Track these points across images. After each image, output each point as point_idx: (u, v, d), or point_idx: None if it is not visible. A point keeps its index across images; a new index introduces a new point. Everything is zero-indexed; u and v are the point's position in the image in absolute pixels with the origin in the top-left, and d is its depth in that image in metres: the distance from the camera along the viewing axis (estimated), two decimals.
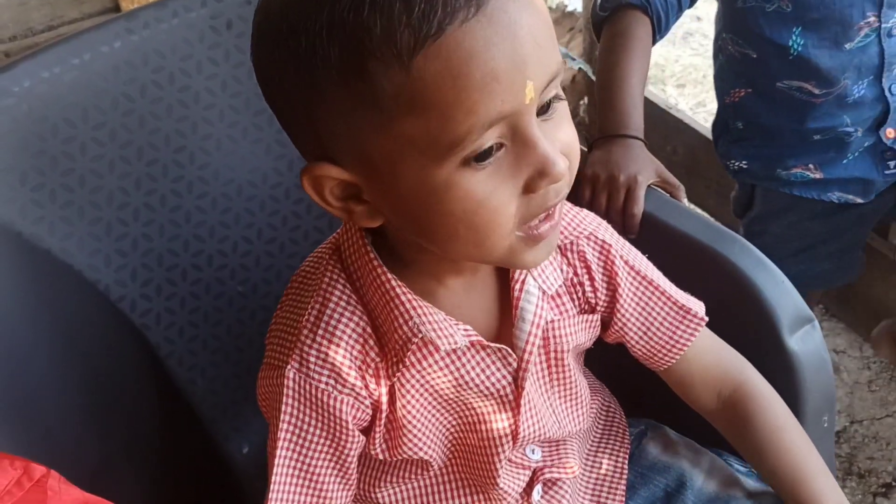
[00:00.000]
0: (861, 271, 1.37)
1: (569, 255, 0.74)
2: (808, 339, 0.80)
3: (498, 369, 0.71)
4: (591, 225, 0.75)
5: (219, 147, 0.99)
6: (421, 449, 0.72)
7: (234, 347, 1.05)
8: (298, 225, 1.06)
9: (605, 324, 0.78)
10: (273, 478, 0.68)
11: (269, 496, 0.68)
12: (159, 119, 0.94)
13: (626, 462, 0.85)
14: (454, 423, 0.74)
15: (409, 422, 0.70)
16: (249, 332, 1.06)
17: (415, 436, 0.71)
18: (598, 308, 0.76)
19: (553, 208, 0.60)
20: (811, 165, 1.20)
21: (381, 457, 0.72)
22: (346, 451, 0.69)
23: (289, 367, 0.67)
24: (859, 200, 1.21)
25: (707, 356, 0.79)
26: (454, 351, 0.69)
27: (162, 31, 0.93)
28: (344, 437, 0.68)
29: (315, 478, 0.69)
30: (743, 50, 1.18)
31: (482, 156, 0.54)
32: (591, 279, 0.75)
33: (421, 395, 0.70)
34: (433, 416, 0.72)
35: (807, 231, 1.27)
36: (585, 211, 0.77)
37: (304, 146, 0.61)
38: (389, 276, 0.66)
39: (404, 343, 0.66)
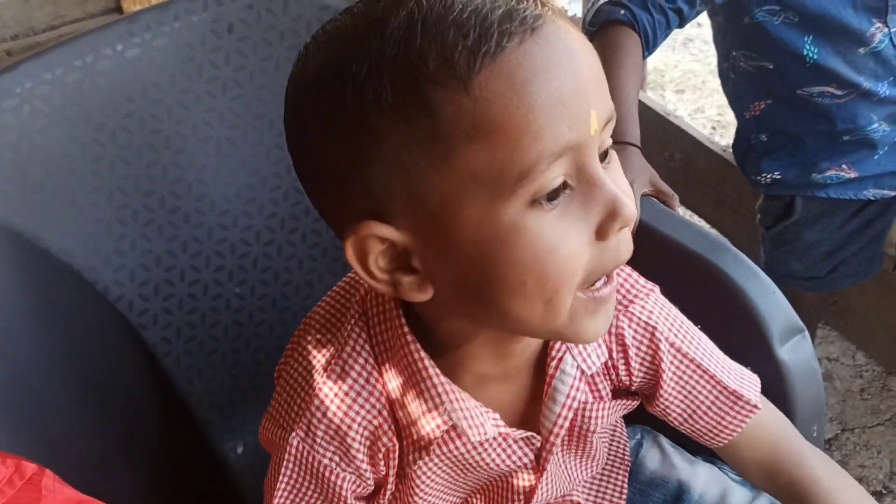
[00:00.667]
0: (880, 266, 1.37)
1: (606, 336, 0.69)
2: (798, 349, 0.81)
3: (520, 448, 0.68)
4: (637, 297, 0.70)
5: (218, 149, 1.00)
6: None
7: (230, 349, 1.05)
8: (296, 227, 1.07)
9: (647, 399, 0.74)
10: None
11: None
12: (160, 121, 0.95)
13: (626, 480, 0.85)
14: (468, 489, 0.73)
15: (422, 490, 0.69)
16: (246, 333, 1.06)
17: (425, 501, 0.70)
18: (634, 387, 0.72)
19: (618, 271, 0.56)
20: (844, 166, 1.20)
21: None
22: None
23: (294, 434, 0.64)
24: (893, 194, 1.22)
25: (761, 447, 0.74)
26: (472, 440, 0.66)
27: (164, 33, 0.94)
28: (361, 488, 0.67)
29: None
30: (758, 63, 1.18)
31: (552, 194, 0.50)
32: (628, 364, 0.70)
33: (436, 473, 0.68)
34: (446, 486, 0.71)
35: (838, 231, 1.27)
36: (628, 271, 0.71)
37: (347, 210, 0.54)
38: (422, 353, 0.61)
39: (432, 430, 0.63)
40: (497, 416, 0.65)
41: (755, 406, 0.72)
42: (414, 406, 0.63)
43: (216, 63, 0.97)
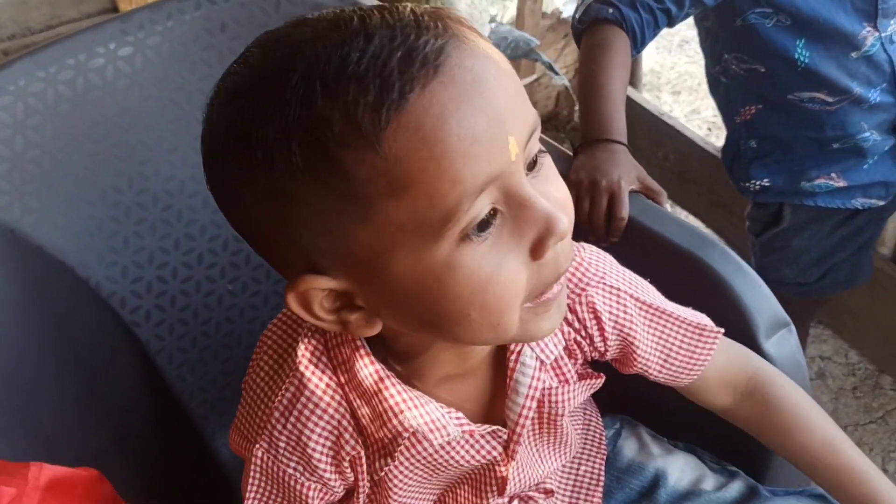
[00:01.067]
0: (871, 273, 1.37)
1: (578, 308, 0.69)
2: (784, 342, 0.82)
3: (488, 442, 0.69)
4: (600, 269, 0.71)
5: None
6: None
7: (222, 345, 1.06)
8: None
9: (623, 362, 0.76)
10: None
11: None
12: (152, 118, 0.96)
13: (603, 468, 0.86)
14: (442, 485, 0.74)
15: (396, 493, 0.69)
16: (238, 330, 1.07)
17: (399, 501, 0.71)
18: (608, 356, 0.74)
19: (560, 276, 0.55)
20: (833, 174, 1.21)
21: None
22: None
23: (257, 445, 0.65)
24: (881, 203, 1.23)
25: (718, 358, 0.77)
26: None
27: (156, 32, 0.94)
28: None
29: None
30: (750, 66, 1.18)
31: (481, 225, 0.50)
32: (602, 329, 0.70)
33: (406, 476, 0.69)
34: (419, 486, 0.71)
35: (827, 238, 1.28)
36: (586, 248, 0.72)
37: (283, 265, 0.55)
38: (377, 366, 0.61)
39: (393, 439, 0.63)
40: (460, 414, 0.65)
41: (719, 331, 0.75)
42: (374, 415, 0.63)
43: (209, 61, 0.98)
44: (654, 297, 0.75)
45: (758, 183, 1.25)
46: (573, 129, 2.39)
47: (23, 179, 0.88)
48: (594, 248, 0.73)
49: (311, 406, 0.63)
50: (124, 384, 1.00)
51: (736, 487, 0.82)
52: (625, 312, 0.71)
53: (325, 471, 0.66)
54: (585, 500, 0.84)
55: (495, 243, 0.51)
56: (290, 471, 0.66)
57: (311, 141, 0.47)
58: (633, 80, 2.04)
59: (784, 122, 1.20)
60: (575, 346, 0.71)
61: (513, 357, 0.67)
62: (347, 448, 0.65)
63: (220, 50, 0.99)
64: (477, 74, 0.48)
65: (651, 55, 2.68)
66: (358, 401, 0.63)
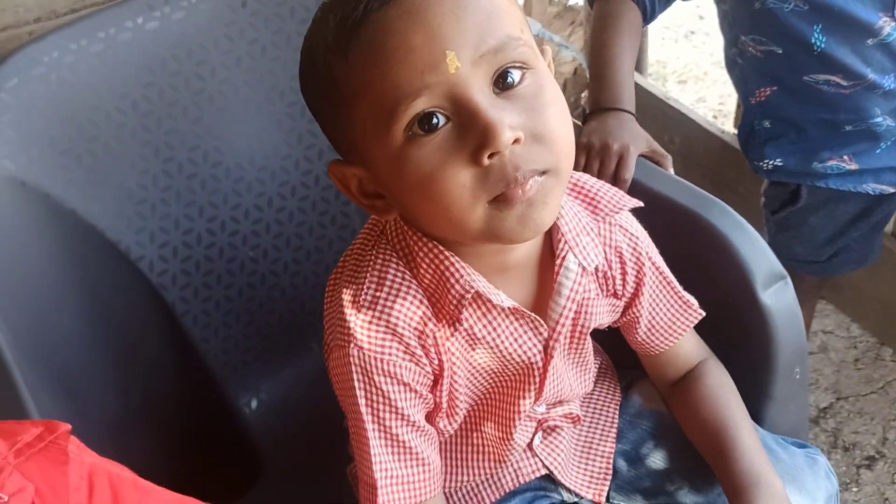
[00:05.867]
0: (880, 253, 1.40)
1: (607, 249, 0.78)
2: (780, 294, 0.86)
3: (529, 339, 0.75)
4: (628, 202, 0.79)
5: (233, 119, 1.05)
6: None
7: (244, 309, 1.11)
8: (307, 195, 1.12)
9: (622, 311, 0.83)
10: (371, 451, 0.71)
11: (374, 469, 0.71)
12: (177, 91, 1.01)
13: (617, 411, 0.91)
14: (484, 388, 0.79)
15: (458, 383, 0.75)
16: (259, 295, 1.12)
17: (463, 394, 0.76)
18: (623, 298, 0.81)
19: (523, 181, 0.60)
20: (846, 157, 1.21)
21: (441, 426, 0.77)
22: (417, 414, 0.73)
23: (352, 345, 0.69)
24: (891, 190, 1.24)
25: (686, 344, 0.86)
26: (492, 320, 0.73)
27: (181, 7, 0.99)
28: (413, 400, 0.72)
29: (401, 441, 0.72)
30: (767, 48, 1.19)
31: (424, 126, 0.59)
32: (624, 274, 0.79)
33: (461, 366, 0.74)
34: (468, 384, 0.77)
35: (842, 216, 1.30)
36: (606, 187, 0.79)
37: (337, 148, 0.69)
38: (440, 247, 0.69)
39: (459, 300, 0.69)
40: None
41: (700, 312, 0.84)
42: (441, 287, 0.70)
43: (231, 36, 1.03)
44: (663, 262, 0.83)
45: (771, 163, 1.27)
46: (577, 116, 2.42)
47: (56, 148, 0.93)
48: (618, 191, 0.80)
49: (393, 292, 0.70)
50: (151, 345, 1.05)
51: None
52: (641, 265, 0.80)
53: (415, 347, 0.70)
54: (601, 439, 0.89)
55: (441, 145, 0.60)
56: (387, 356, 0.70)
57: (322, 50, 0.62)
58: (639, 66, 2.07)
59: (798, 104, 1.21)
60: (603, 279, 0.79)
61: (558, 262, 0.74)
62: (430, 325, 0.71)
63: (241, 26, 1.03)
64: (425, 2, 0.58)
65: (657, 45, 2.71)
66: (429, 277, 0.70)
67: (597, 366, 0.93)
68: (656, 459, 0.88)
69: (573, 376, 0.84)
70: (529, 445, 0.85)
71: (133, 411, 1.01)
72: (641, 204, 0.79)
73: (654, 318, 0.83)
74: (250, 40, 1.04)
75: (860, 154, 1.21)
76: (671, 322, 0.84)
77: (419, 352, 0.71)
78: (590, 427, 0.91)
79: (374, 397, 0.71)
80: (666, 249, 0.84)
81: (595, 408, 0.92)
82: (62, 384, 0.92)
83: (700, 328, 0.86)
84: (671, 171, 0.99)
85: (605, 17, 1.12)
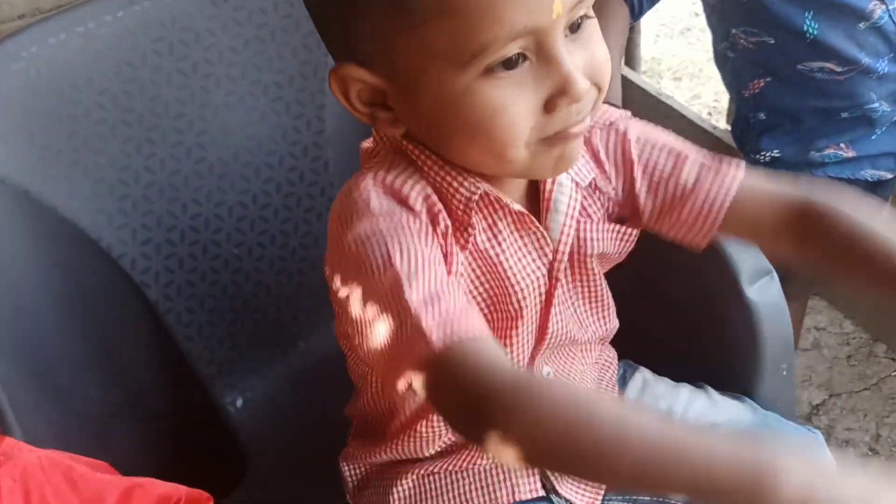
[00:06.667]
0: None
1: (603, 159, 0.73)
2: (766, 289, 0.85)
3: (534, 259, 0.71)
4: (608, 117, 0.74)
5: (216, 115, 1.04)
6: None
7: (228, 307, 1.10)
8: (292, 192, 1.11)
9: (640, 210, 0.74)
10: (409, 301, 0.58)
11: (418, 313, 0.57)
12: (159, 87, 0.99)
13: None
14: (487, 317, 0.72)
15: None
16: (244, 293, 1.11)
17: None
18: (619, 197, 0.74)
19: (579, 122, 0.60)
20: (842, 144, 1.21)
21: None
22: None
23: (372, 208, 0.62)
24: (889, 176, 1.24)
25: (765, 196, 0.72)
26: (497, 234, 0.68)
27: (162, 2, 0.98)
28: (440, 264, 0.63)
29: (448, 291, 0.60)
30: (759, 39, 1.19)
31: (505, 64, 0.56)
32: (600, 163, 0.73)
33: (466, 286, 0.69)
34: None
35: None
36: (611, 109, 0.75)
37: (334, 46, 0.63)
38: (436, 157, 0.65)
39: (466, 202, 0.65)
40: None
41: (738, 163, 0.72)
42: (445, 187, 0.65)
43: (213, 31, 1.02)
44: (664, 134, 0.75)
45: (768, 154, 1.26)
46: None
47: (35, 144, 0.92)
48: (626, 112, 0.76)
49: (403, 175, 0.65)
50: (135, 344, 1.04)
51: (746, 415, 0.85)
52: (624, 145, 0.73)
53: (443, 219, 0.65)
54: None
55: (515, 84, 0.57)
56: (406, 221, 0.62)
57: None
58: (632, 62, 2.07)
59: (793, 94, 1.21)
60: (596, 186, 0.74)
61: (548, 179, 0.70)
62: (442, 215, 0.65)
63: (223, 20, 1.02)
64: None
65: (652, 42, 2.70)
66: (437, 176, 0.65)
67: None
68: None
69: (584, 312, 0.79)
70: None
71: (116, 409, 1.00)
72: (628, 112, 0.76)
73: (684, 191, 0.72)
74: (233, 35, 1.03)
75: (857, 141, 1.21)
76: (709, 183, 0.71)
77: (425, 216, 0.64)
78: None
79: (411, 255, 0.60)
80: (649, 244, 0.83)
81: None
82: (43, 381, 0.91)
83: (685, 324, 0.86)
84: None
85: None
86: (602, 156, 0.74)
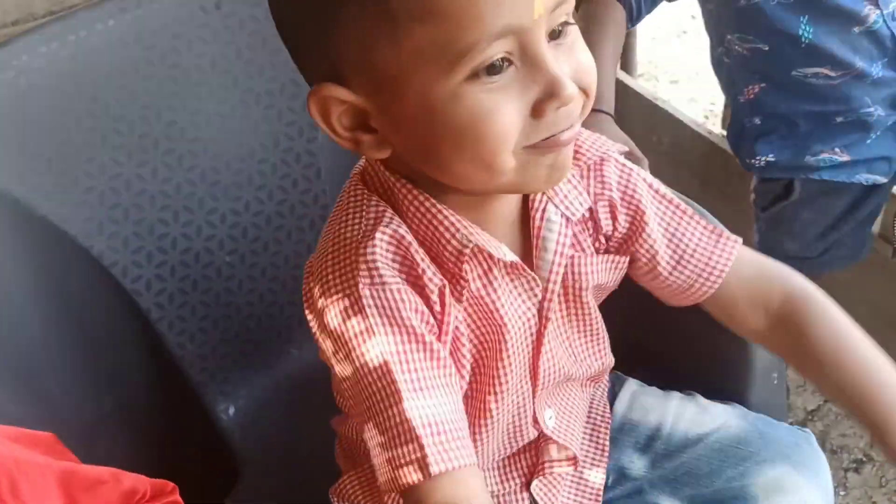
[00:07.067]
0: (870, 249, 1.39)
1: (590, 176, 0.73)
2: None
3: (524, 301, 0.70)
4: (612, 147, 0.74)
5: (208, 123, 1.04)
6: None
7: (221, 315, 1.09)
8: (285, 199, 1.11)
9: (634, 257, 0.75)
10: (405, 403, 0.60)
11: (414, 423, 0.60)
12: (150, 95, 0.99)
13: (608, 435, 0.88)
14: (477, 357, 0.72)
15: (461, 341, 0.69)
16: (237, 301, 1.11)
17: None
18: (616, 235, 0.74)
19: (568, 128, 0.59)
20: (837, 149, 1.22)
21: None
22: (438, 347, 0.64)
23: (360, 285, 0.62)
24: (883, 180, 1.24)
25: (745, 269, 0.75)
26: (492, 280, 0.67)
27: (153, 10, 0.98)
28: (430, 331, 0.64)
29: (440, 385, 0.63)
30: (754, 45, 1.19)
31: (490, 69, 0.55)
32: (614, 211, 0.73)
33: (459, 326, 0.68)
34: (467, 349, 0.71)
35: (833, 209, 1.29)
36: (586, 134, 0.74)
37: (311, 68, 0.61)
38: (425, 195, 0.64)
39: (458, 255, 0.64)
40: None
41: (737, 238, 0.75)
42: (434, 240, 0.65)
43: (204, 39, 1.02)
44: (671, 192, 0.76)
45: (763, 159, 1.27)
46: None
47: (25, 152, 0.92)
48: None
49: (385, 221, 0.64)
50: (126, 352, 1.04)
51: (735, 424, 0.84)
52: (634, 189, 0.73)
53: (430, 279, 0.64)
54: (592, 465, 0.86)
55: (501, 90, 0.56)
56: (396, 285, 0.62)
57: None
58: (628, 66, 2.07)
59: (788, 99, 1.22)
60: (590, 219, 0.73)
61: (537, 216, 0.70)
62: (431, 271, 0.65)
63: (215, 28, 1.02)
64: None
65: (649, 45, 2.70)
66: (415, 229, 0.65)
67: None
68: (639, 469, 0.86)
69: (579, 345, 0.78)
70: (527, 485, 0.82)
71: (108, 416, 1.00)
72: (626, 149, 0.76)
73: (681, 253, 0.74)
74: (224, 42, 1.03)
75: (852, 145, 1.21)
76: (706, 255, 0.74)
77: (426, 276, 0.64)
78: (584, 457, 0.86)
79: (401, 337, 0.61)
80: None
81: (588, 437, 0.88)
82: (33, 388, 0.91)
83: (675, 331, 0.85)
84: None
85: (589, 20, 1.11)
86: (614, 189, 0.73)
